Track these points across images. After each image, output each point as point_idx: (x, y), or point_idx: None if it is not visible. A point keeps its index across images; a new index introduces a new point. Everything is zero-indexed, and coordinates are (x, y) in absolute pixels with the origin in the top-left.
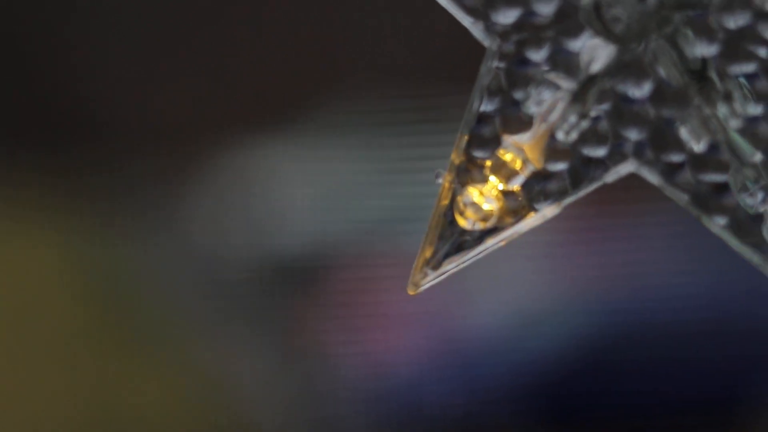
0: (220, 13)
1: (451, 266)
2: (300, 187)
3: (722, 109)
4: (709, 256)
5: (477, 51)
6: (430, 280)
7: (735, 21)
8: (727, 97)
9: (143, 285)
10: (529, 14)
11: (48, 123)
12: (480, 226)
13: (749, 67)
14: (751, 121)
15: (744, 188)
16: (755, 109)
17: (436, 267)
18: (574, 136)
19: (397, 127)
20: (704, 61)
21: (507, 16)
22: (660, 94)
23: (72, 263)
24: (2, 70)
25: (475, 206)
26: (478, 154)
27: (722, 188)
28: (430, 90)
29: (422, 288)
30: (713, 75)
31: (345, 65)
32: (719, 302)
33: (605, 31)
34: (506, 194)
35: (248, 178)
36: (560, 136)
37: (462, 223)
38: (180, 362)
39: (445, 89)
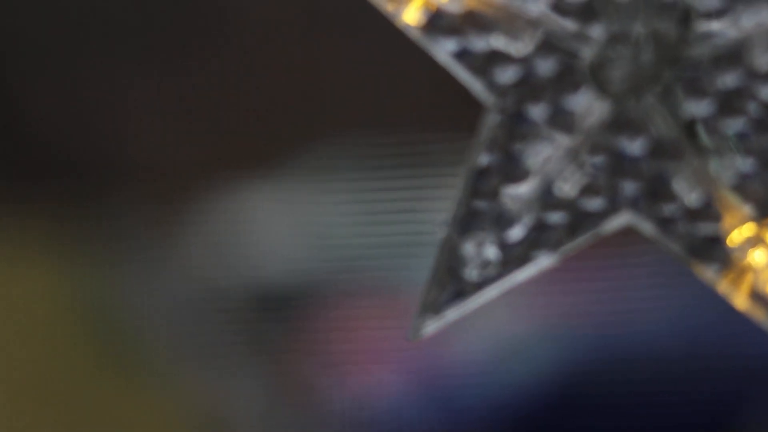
0: (210, 58)
1: (452, 313)
2: (285, 227)
3: (713, 164)
4: (689, 293)
5: (457, 97)
6: (432, 326)
7: (724, 79)
8: (717, 153)
9: (135, 317)
10: (528, 72)
11: (46, 160)
12: (479, 276)
13: (738, 124)
14: (741, 176)
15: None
16: (744, 165)
17: (436, 313)
18: (572, 190)
19: (380, 170)
20: (693, 119)
21: (507, 75)
22: (653, 149)
23: (65, 296)
24: None
25: (475, 257)
26: (477, 206)
27: (715, 240)
28: (411, 136)
29: (423, 335)
30: (702, 131)
31: (331, 111)
32: (699, 339)
33: (601, 89)
34: (505, 245)
35: (236, 217)
36: (558, 189)
37: (461, 272)
38: (171, 393)
39: (426, 135)
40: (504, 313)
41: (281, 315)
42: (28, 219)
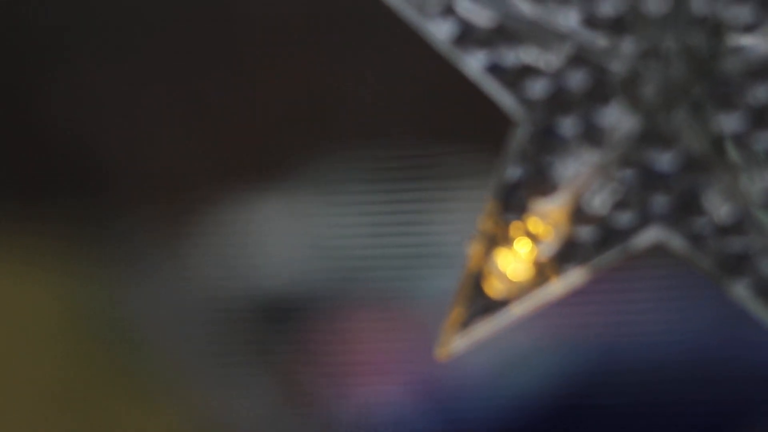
0: (217, 71)
1: (481, 330)
2: (290, 239)
3: (743, 180)
4: (691, 302)
5: (464, 111)
6: (460, 343)
7: (755, 94)
8: (747, 168)
9: (141, 328)
10: (558, 86)
11: (50, 173)
12: (506, 293)
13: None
14: None
15: (763, 256)
16: None
17: (463, 329)
18: (601, 204)
19: (385, 183)
20: (722, 134)
21: (537, 89)
22: (683, 164)
23: (70, 307)
24: (3, 120)
25: (503, 274)
26: (506, 221)
27: (745, 256)
28: (417, 149)
29: (451, 351)
30: (731, 147)
31: (336, 124)
32: (701, 348)
33: (632, 103)
34: (534, 263)
35: (242, 228)
36: (588, 204)
37: (489, 290)
38: (176, 402)
39: (431, 148)
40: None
41: (286, 326)
42: (36, 235)
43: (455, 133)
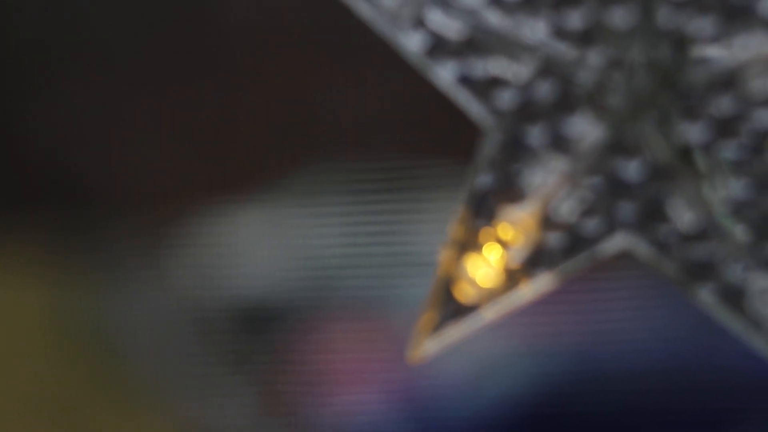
0: (198, 86)
1: (452, 334)
2: (271, 249)
3: (706, 188)
4: (666, 309)
5: (442, 123)
6: (432, 347)
7: (719, 105)
8: (711, 177)
9: (124, 338)
10: (526, 96)
11: (31, 184)
12: (477, 298)
13: (733, 149)
14: (734, 200)
15: (727, 262)
16: (736, 188)
17: (434, 333)
18: (568, 212)
19: (364, 194)
20: (689, 144)
21: (505, 99)
22: (649, 172)
23: (52, 316)
24: None
25: (473, 279)
26: (475, 227)
27: (709, 263)
28: (396, 160)
29: (423, 355)
30: (698, 156)
31: (317, 136)
32: (677, 354)
33: (598, 113)
34: (503, 268)
35: (223, 239)
36: (556, 212)
37: (459, 295)
38: (158, 411)
39: (410, 159)
40: (483, 331)
41: (264, 335)
42: (18, 245)
43: (429, 146)
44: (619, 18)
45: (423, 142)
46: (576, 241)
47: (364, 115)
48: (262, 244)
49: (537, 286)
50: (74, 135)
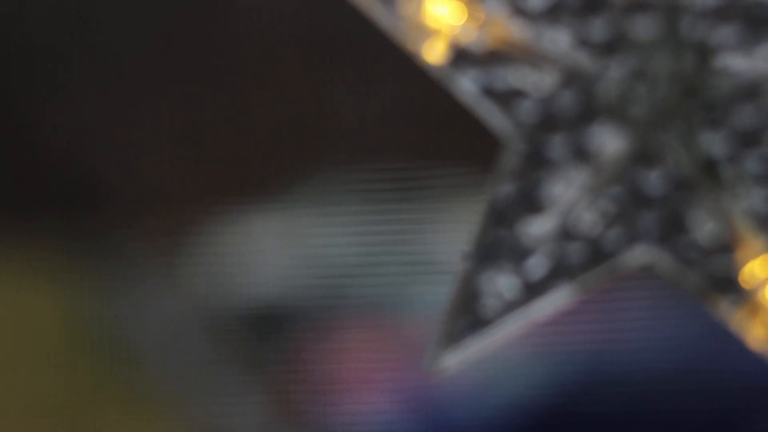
0: (209, 92)
1: (472, 347)
2: (282, 254)
3: (729, 199)
4: (678, 312)
5: (455, 129)
6: (451, 359)
7: (742, 115)
8: (733, 188)
9: (135, 342)
10: (548, 107)
11: (46, 189)
12: (494, 307)
13: (756, 159)
14: (756, 211)
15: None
16: (760, 200)
17: (453, 344)
18: (589, 222)
19: (377, 199)
20: (712, 155)
21: (527, 110)
22: (671, 183)
23: (65, 319)
24: (2, 140)
25: (491, 288)
26: (496, 236)
27: (730, 274)
28: (409, 165)
29: (441, 367)
30: (722, 167)
31: (329, 141)
32: (688, 358)
33: (620, 124)
34: (523, 277)
35: (235, 244)
36: (576, 221)
37: (477, 304)
38: (169, 415)
39: (422, 164)
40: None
41: (277, 339)
42: (32, 249)
43: (443, 152)
44: (642, 28)
45: (437, 148)
46: (597, 253)
47: (377, 120)
48: (275, 249)
49: (556, 298)
50: (89, 140)
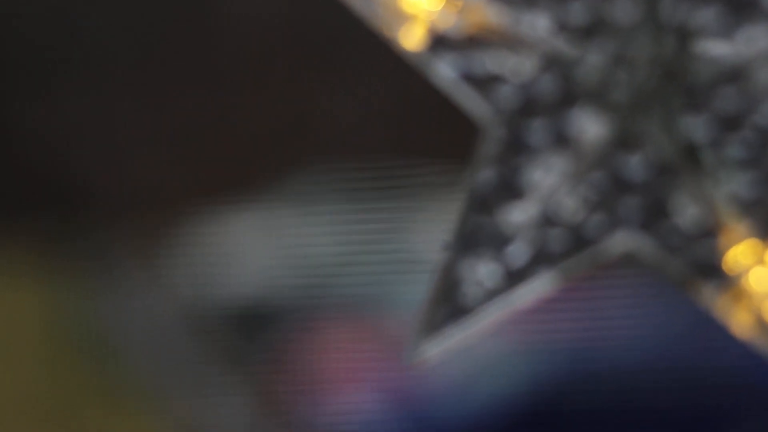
0: (193, 91)
1: (453, 336)
2: (265, 252)
3: (710, 183)
4: (662, 307)
5: (436, 125)
6: (432, 350)
7: (723, 99)
8: (715, 172)
9: (118, 341)
10: (528, 92)
11: (31, 188)
12: (475, 295)
13: (737, 144)
14: (738, 196)
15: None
16: (741, 184)
17: (433, 334)
18: (570, 208)
19: (357, 196)
20: (694, 140)
21: (507, 95)
22: (652, 168)
23: (49, 318)
24: None
25: (471, 276)
26: (477, 223)
27: (712, 259)
28: (387, 163)
29: (422, 357)
30: (703, 152)
31: (309, 140)
32: (672, 353)
33: (601, 109)
34: (504, 264)
35: (218, 242)
36: (557, 207)
37: (458, 292)
38: (153, 413)
39: (401, 162)
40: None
41: (260, 336)
42: (17, 248)
43: (423, 147)
44: (622, 13)
45: (417, 144)
46: (579, 240)
47: (357, 117)
48: (258, 247)
49: (538, 285)
50: (72, 140)
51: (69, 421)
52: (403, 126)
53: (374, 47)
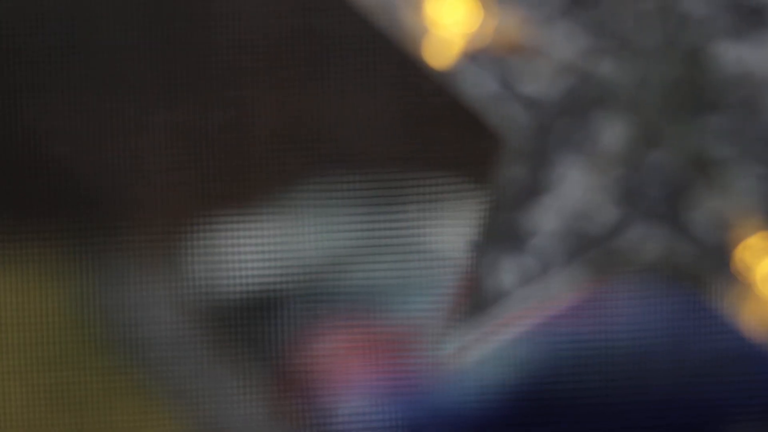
0: (198, 99)
1: (475, 329)
2: (264, 259)
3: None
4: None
5: (437, 136)
6: (454, 343)
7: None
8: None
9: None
10: (554, 90)
11: (53, 192)
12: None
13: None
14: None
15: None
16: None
17: (456, 329)
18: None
19: (364, 206)
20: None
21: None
22: (670, 166)
23: (64, 314)
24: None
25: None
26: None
27: (724, 253)
28: (396, 173)
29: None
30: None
31: (318, 150)
32: (673, 341)
33: (624, 109)
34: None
35: (223, 248)
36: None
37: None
38: (171, 409)
39: (410, 172)
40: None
41: (265, 340)
42: (41, 247)
43: (434, 158)
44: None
45: (429, 155)
46: (600, 236)
47: (369, 128)
48: (264, 253)
49: (560, 282)
50: (87, 145)
51: (89, 416)
52: (413, 136)
53: (387, 54)
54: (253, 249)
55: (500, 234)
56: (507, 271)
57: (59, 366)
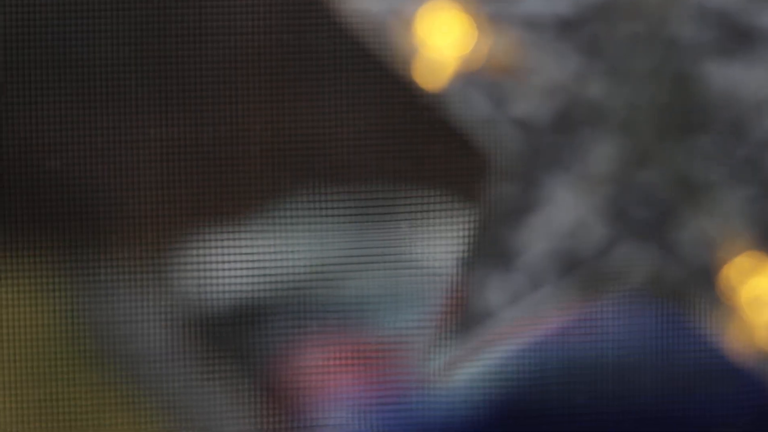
0: (190, 112)
1: (462, 345)
2: (260, 272)
3: (712, 200)
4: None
5: (432, 152)
6: (442, 359)
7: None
8: (716, 190)
9: (121, 346)
10: (545, 109)
11: (48, 204)
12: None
13: (735, 163)
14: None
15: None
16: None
17: (444, 345)
18: (581, 220)
19: (355, 221)
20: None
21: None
22: (659, 184)
23: (57, 324)
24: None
25: (483, 287)
26: (490, 236)
27: (712, 272)
28: (386, 189)
29: (435, 366)
30: (703, 170)
31: (309, 165)
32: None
33: (614, 128)
34: (514, 275)
35: (213, 260)
36: (568, 219)
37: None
38: (160, 417)
39: (400, 188)
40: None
41: (259, 348)
42: (36, 258)
43: (425, 175)
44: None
45: (419, 171)
46: (587, 254)
47: (360, 144)
48: (254, 267)
49: (547, 294)
50: (80, 160)
51: (85, 430)
52: (404, 152)
53: (379, 71)
54: (244, 264)
55: (489, 251)
56: (495, 289)
57: (50, 380)
